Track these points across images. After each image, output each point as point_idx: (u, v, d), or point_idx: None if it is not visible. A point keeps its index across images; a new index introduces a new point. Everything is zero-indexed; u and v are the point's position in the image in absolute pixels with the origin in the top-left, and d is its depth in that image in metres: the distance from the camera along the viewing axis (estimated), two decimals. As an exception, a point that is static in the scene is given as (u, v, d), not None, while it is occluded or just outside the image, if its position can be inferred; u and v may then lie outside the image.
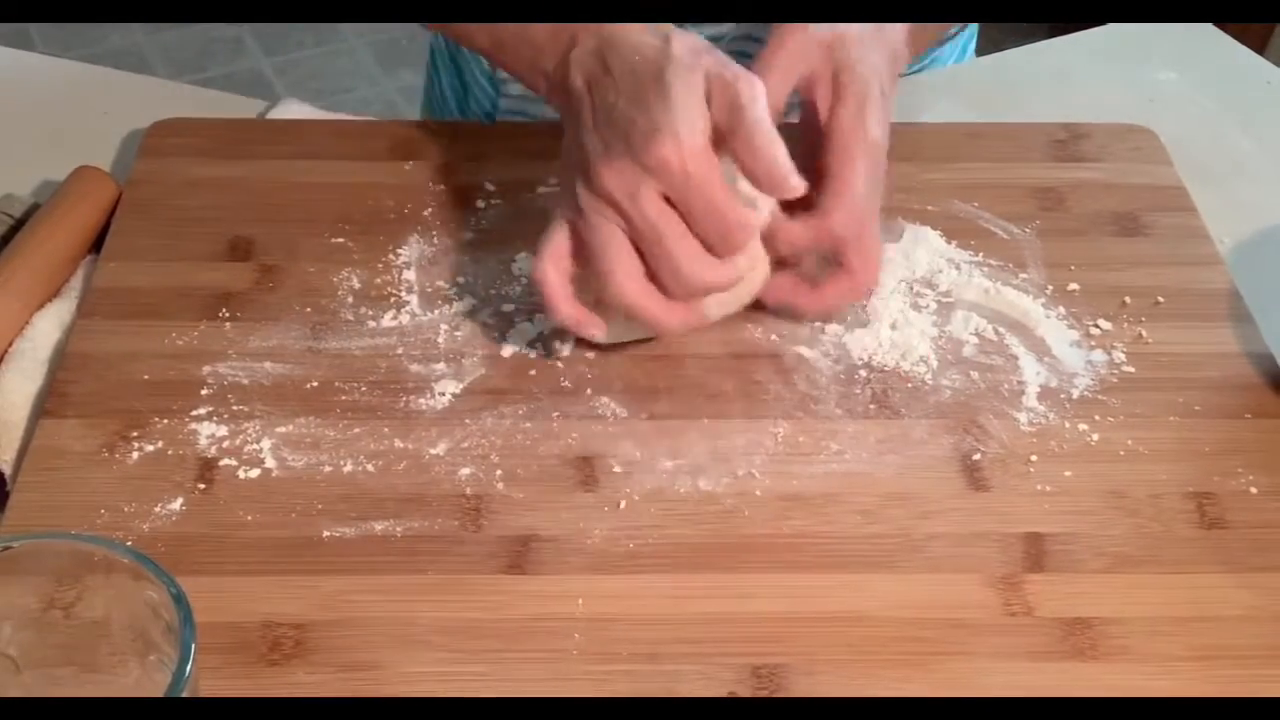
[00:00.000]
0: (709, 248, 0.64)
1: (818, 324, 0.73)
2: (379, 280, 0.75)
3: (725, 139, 0.63)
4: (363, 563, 0.61)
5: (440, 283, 0.75)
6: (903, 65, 0.73)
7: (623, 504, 0.64)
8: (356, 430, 0.67)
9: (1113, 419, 0.69)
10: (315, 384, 0.69)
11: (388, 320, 0.73)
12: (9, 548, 0.49)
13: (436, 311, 0.74)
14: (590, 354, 0.71)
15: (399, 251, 0.77)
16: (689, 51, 0.64)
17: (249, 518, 0.63)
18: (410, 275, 0.76)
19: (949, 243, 0.79)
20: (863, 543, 0.63)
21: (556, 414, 0.68)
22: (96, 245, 0.77)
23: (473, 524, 0.63)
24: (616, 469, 0.66)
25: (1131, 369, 0.72)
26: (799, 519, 0.64)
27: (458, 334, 0.72)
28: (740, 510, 0.64)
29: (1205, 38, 1.01)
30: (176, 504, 0.63)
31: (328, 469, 0.65)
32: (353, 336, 0.72)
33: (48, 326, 0.72)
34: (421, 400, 0.69)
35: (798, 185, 0.64)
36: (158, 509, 0.63)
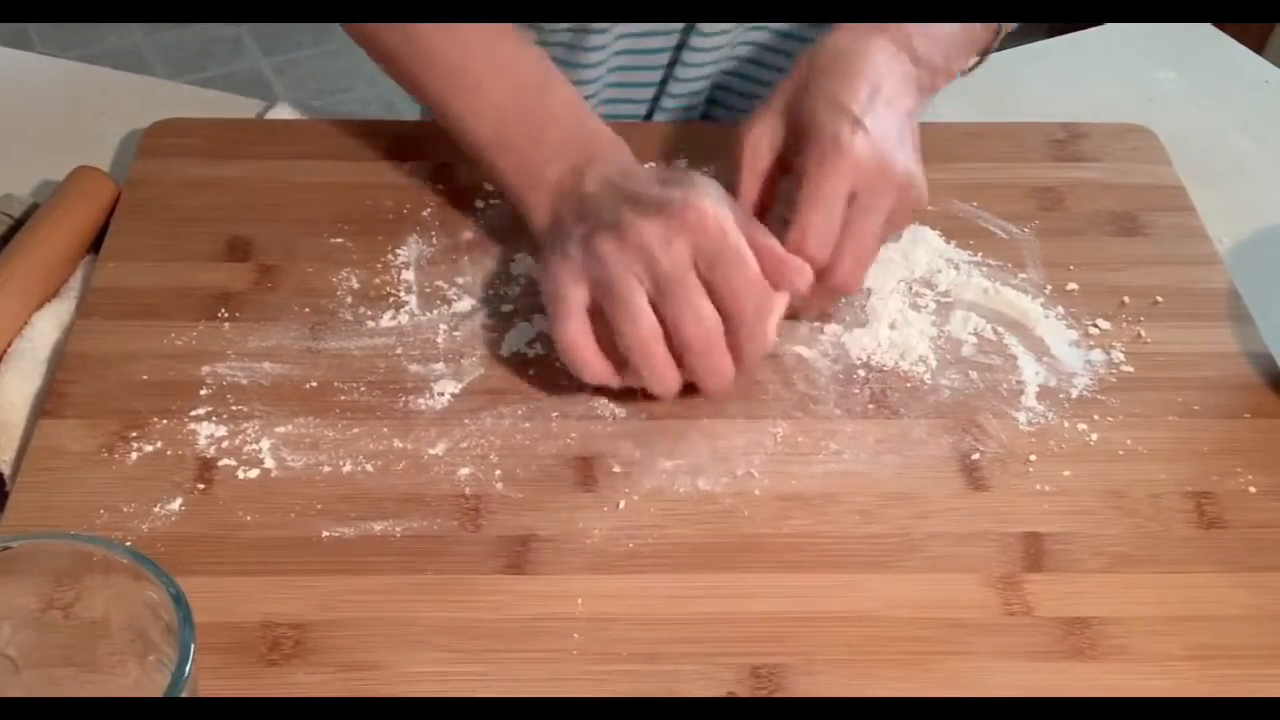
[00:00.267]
0: (728, 314, 0.64)
1: (817, 324, 0.73)
2: (378, 280, 0.75)
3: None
4: (362, 563, 0.61)
5: (439, 283, 0.75)
6: (922, 65, 0.72)
7: (622, 504, 0.64)
8: (355, 430, 0.67)
9: (1111, 419, 0.69)
10: (314, 384, 0.69)
11: (387, 320, 0.73)
12: (8, 548, 0.49)
13: (435, 312, 0.74)
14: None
15: (398, 252, 0.77)
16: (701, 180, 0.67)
17: (248, 518, 0.63)
18: (409, 275, 0.76)
19: (948, 242, 0.79)
20: (862, 542, 0.63)
21: (555, 414, 0.68)
22: (95, 245, 0.77)
23: (472, 524, 0.63)
24: (616, 469, 0.66)
25: (1130, 369, 0.72)
26: (798, 519, 0.64)
27: (457, 334, 0.72)
28: (739, 510, 0.64)
29: (1204, 37, 1.01)
30: (176, 504, 0.63)
31: (327, 469, 0.65)
32: (352, 337, 0.72)
33: (47, 327, 0.72)
34: (420, 400, 0.69)
35: (807, 274, 0.66)
36: (157, 509, 0.63)
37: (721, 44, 0.87)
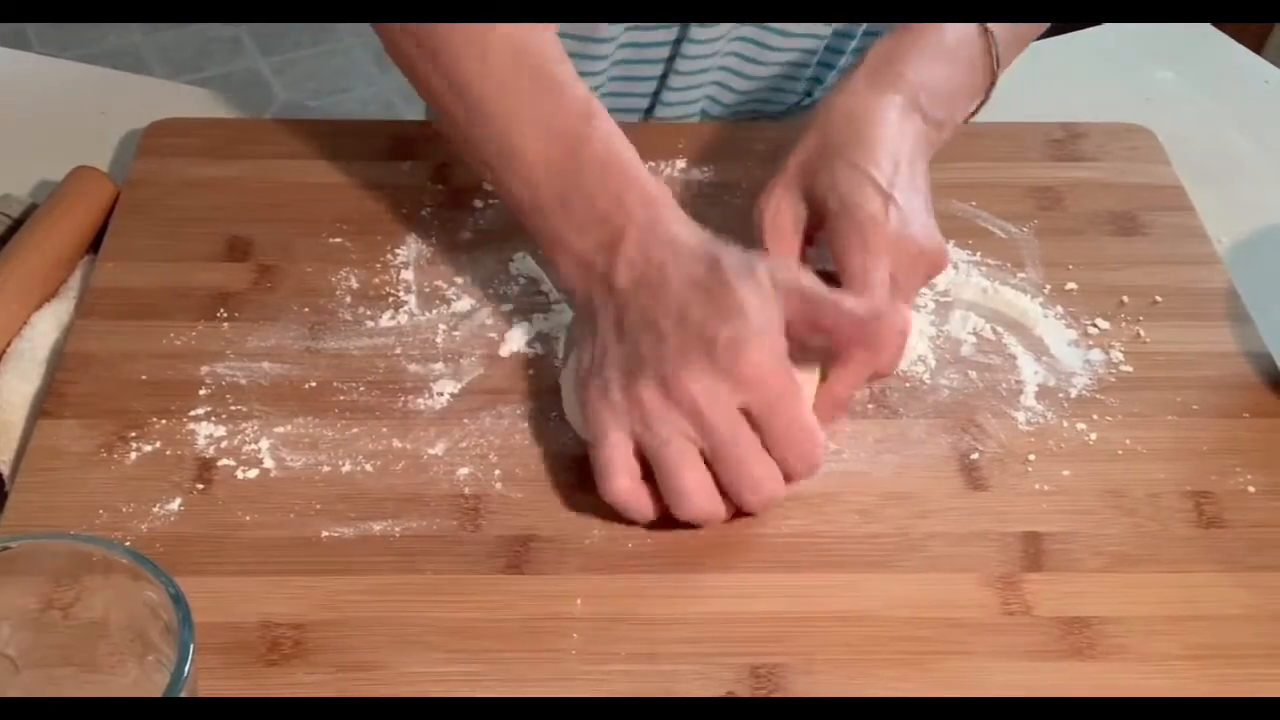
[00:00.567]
0: (781, 463, 0.62)
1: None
2: (377, 280, 0.75)
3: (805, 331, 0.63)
4: (361, 563, 0.61)
5: (438, 283, 0.75)
6: (929, 121, 0.71)
7: (621, 504, 0.64)
8: (355, 430, 0.67)
9: (1111, 418, 0.69)
10: (313, 384, 0.69)
11: (386, 320, 0.73)
12: (7, 548, 0.49)
13: (434, 311, 0.74)
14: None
15: (397, 251, 0.77)
16: (741, 261, 0.63)
17: (247, 518, 0.63)
18: (408, 275, 0.76)
19: (947, 242, 0.78)
20: (861, 542, 0.63)
21: (555, 414, 0.68)
22: (94, 245, 0.77)
23: (471, 524, 0.63)
24: (615, 469, 0.66)
25: (1129, 368, 0.72)
26: (797, 518, 0.64)
27: (456, 334, 0.72)
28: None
29: (1203, 37, 1.01)
30: (175, 504, 0.63)
31: (326, 469, 0.65)
32: (351, 336, 0.72)
33: (46, 327, 0.72)
34: (420, 400, 0.69)
35: (906, 322, 0.65)
36: (156, 509, 0.63)
37: (718, 36, 0.87)
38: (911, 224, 0.67)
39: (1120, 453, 0.68)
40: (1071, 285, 0.76)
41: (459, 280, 0.75)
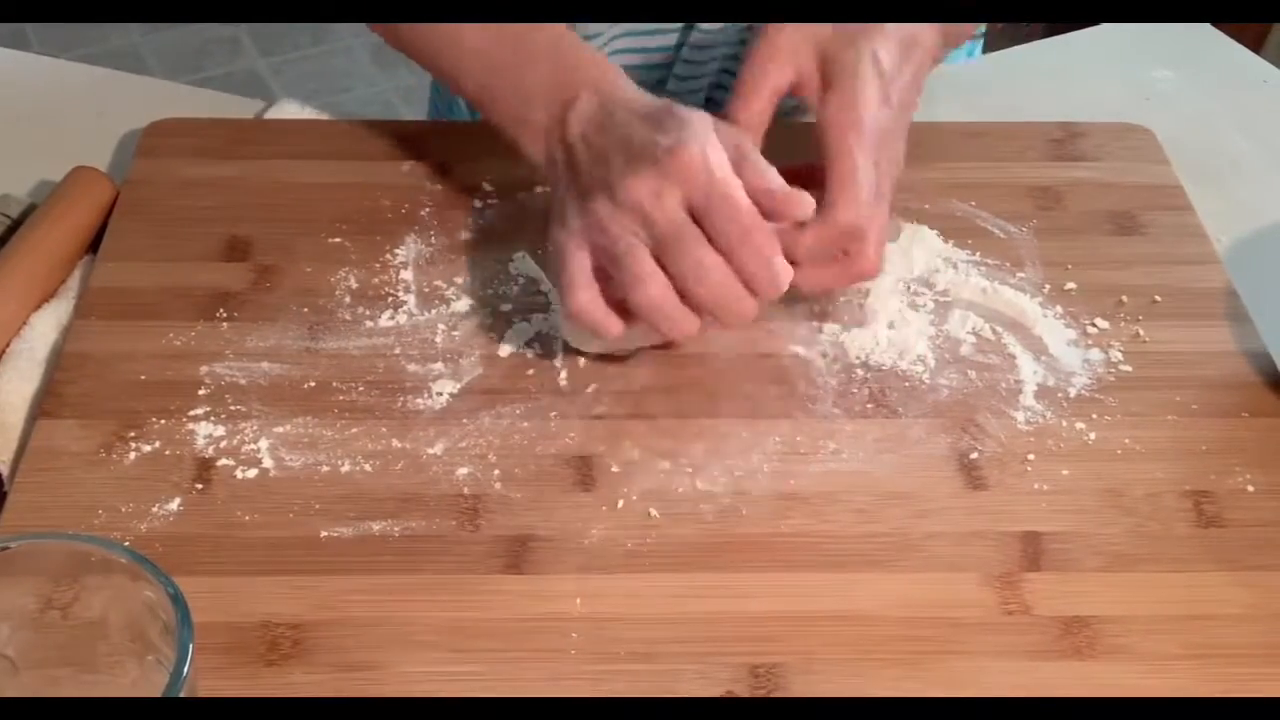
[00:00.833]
0: (729, 257, 0.64)
1: (815, 323, 0.73)
2: (376, 280, 0.75)
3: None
4: (361, 563, 0.61)
5: (438, 283, 0.75)
6: (927, 53, 0.72)
7: (620, 504, 0.64)
8: (354, 430, 0.67)
9: (1110, 418, 0.69)
10: (313, 384, 0.69)
11: (385, 320, 0.73)
12: (6, 548, 0.49)
13: (434, 311, 0.74)
14: (587, 356, 0.71)
15: (396, 251, 0.77)
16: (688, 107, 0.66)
17: (246, 518, 0.63)
18: (408, 275, 0.76)
19: (946, 242, 0.79)
20: (860, 542, 0.63)
21: (554, 414, 0.68)
22: (94, 245, 0.77)
23: (470, 524, 0.63)
24: (614, 469, 0.66)
25: (1129, 368, 0.72)
26: (797, 518, 0.64)
27: (455, 334, 0.72)
28: (738, 510, 0.64)
29: (1202, 37, 1.01)
30: (174, 504, 0.63)
31: (325, 469, 0.65)
32: (350, 336, 0.72)
33: (45, 327, 0.72)
34: (419, 400, 0.69)
35: (808, 205, 0.65)
36: (155, 509, 0.63)
37: (719, 41, 0.87)
38: (900, 120, 0.69)
39: (1119, 452, 0.68)
40: (1071, 285, 0.76)
41: (458, 280, 0.75)
